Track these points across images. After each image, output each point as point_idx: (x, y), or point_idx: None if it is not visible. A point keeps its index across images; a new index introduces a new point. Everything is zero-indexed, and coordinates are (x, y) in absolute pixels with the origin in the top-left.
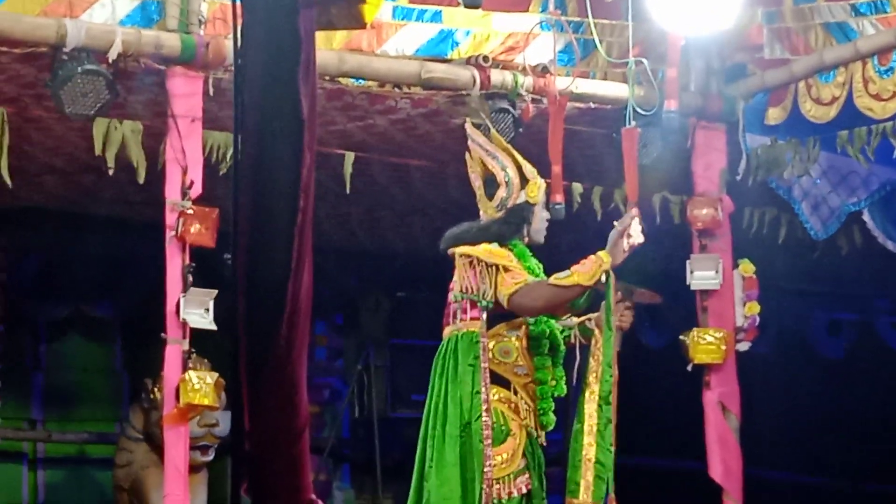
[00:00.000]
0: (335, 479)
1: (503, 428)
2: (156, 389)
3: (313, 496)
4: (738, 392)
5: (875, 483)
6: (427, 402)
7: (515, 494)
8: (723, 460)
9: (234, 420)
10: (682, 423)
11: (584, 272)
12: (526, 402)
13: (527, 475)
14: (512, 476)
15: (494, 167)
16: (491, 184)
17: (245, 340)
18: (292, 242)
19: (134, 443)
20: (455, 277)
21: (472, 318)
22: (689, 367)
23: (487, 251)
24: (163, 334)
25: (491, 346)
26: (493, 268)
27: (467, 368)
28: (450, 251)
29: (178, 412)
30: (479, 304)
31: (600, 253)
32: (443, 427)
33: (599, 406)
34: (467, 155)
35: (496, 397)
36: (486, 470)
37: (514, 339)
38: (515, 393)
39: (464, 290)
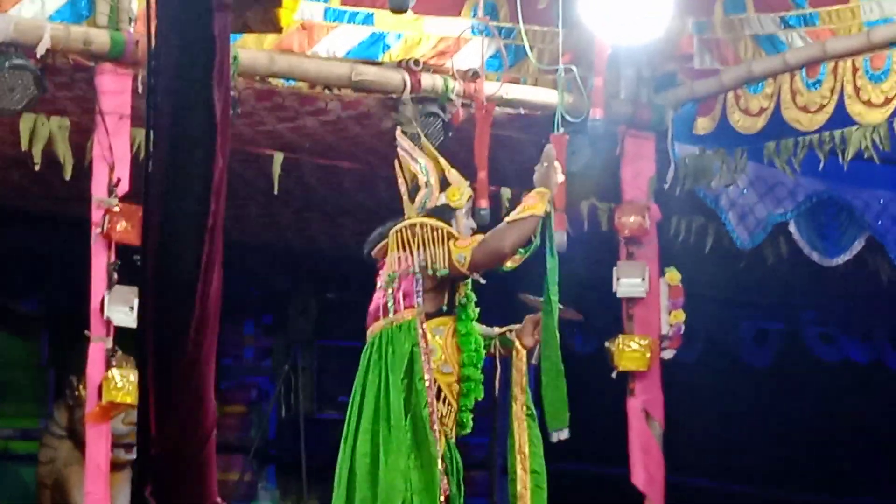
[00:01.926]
0: (261, 480)
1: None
2: (81, 387)
3: (219, 500)
4: (662, 400)
5: (801, 492)
6: (359, 397)
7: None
8: (645, 467)
9: (140, 423)
10: (608, 430)
11: (533, 204)
12: (449, 403)
13: (445, 480)
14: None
15: (417, 170)
16: (414, 188)
17: (153, 342)
18: (202, 245)
19: (58, 440)
20: (387, 263)
21: (406, 307)
22: (614, 375)
23: (430, 219)
24: (86, 332)
25: (430, 324)
26: (441, 232)
27: (405, 355)
28: (377, 247)
29: (101, 410)
30: (434, 273)
31: (538, 187)
32: (387, 419)
33: (529, 415)
34: (395, 162)
35: (441, 382)
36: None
37: (439, 338)
38: (439, 393)
39: (405, 268)
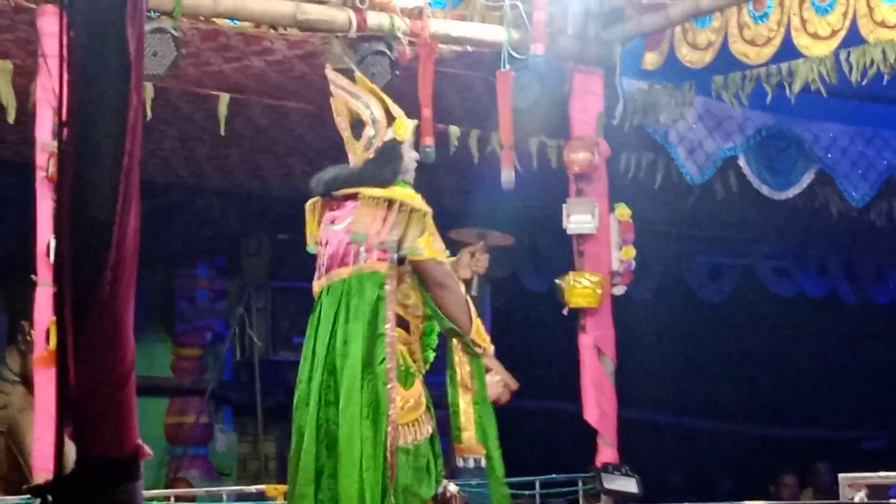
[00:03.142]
0: (217, 422)
1: (409, 370)
2: (32, 332)
3: (139, 441)
4: (614, 335)
5: (754, 425)
6: (314, 341)
7: (423, 437)
8: (598, 403)
9: (59, 363)
10: (561, 367)
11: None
12: (417, 342)
13: (430, 414)
14: (420, 418)
15: (358, 107)
16: (357, 125)
17: (69, 282)
18: (118, 184)
19: (11, 385)
20: (353, 217)
21: (378, 259)
22: (565, 311)
23: (410, 195)
24: (33, 276)
25: (399, 287)
26: (414, 214)
27: (369, 307)
28: (339, 192)
29: (49, 355)
30: (393, 250)
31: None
32: (344, 368)
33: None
34: (331, 100)
35: (398, 340)
36: (390, 413)
37: (410, 281)
38: (411, 335)
39: (371, 232)
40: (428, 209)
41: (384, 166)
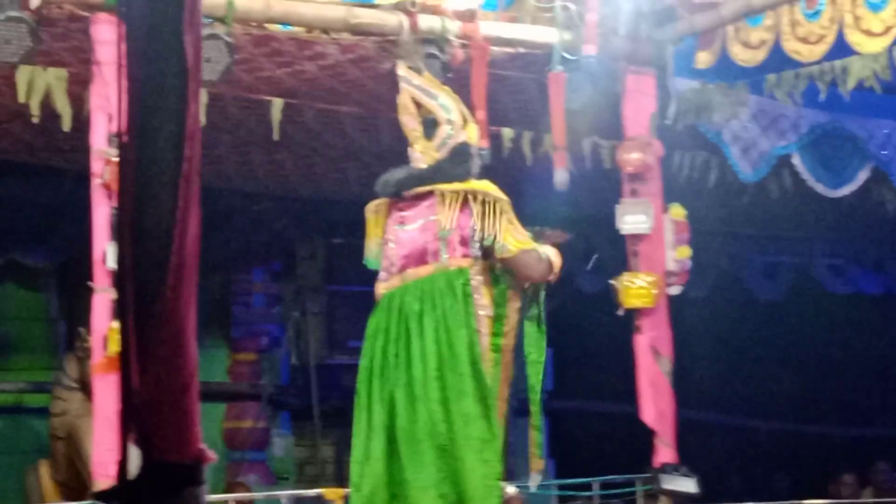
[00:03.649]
0: (274, 426)
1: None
2: (90, 338)
3: (203, 445)
4: (671, 335)
5: (812, 424)
6: (405, 343)
7: None
8: (655, 404)
9: (123, 371)
10: (618, 368)
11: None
12: (488, 340)
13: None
14: None
15: (433, 106)
16: (429, 124)
17: (132, 290)
18: (178, 191)
19: (69, 392)
20: (429, 216)
21: (462, 255)
22: (621, 312)
23: (488, 187)
24: (90, 283)
25: None
26: (496, 206)
27: (463, 307)
28: (411, 192)
29: (108, 361)
30: (478, 242)
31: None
32: (453, 368)
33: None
34: (399, 97)
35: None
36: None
37: (483, 277)
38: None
39: (455, 228)
40: (505, 197)
41: (458, 166)
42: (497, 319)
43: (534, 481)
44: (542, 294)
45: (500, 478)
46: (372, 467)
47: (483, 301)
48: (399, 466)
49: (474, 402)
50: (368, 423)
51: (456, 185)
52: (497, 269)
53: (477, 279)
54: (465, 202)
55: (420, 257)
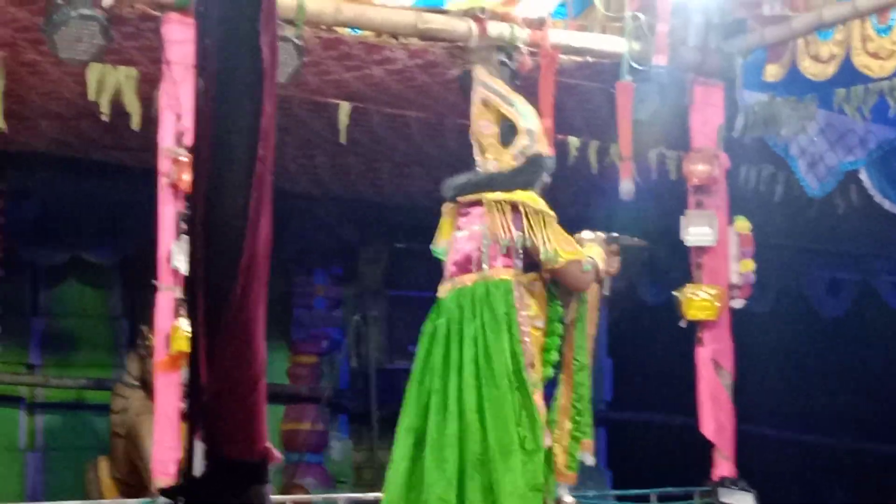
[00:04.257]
0: (333, 429)
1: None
2: (152, 336)
3: (268, 444)
4: (732, 349)
5: (873, 441)
6: (443, 350)
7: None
8: (715, 417)
9: (191, 368)
10: (679, 380)
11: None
12: (538, 356)
13: (548, 427)
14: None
15: (513, 113)
16: (508, 131)
17: (202, 289)
18: (251, 191)
19: (130, 389)
20: (480, 224)
21: (504, 266)
22: (683, 324)
23: (533, 199)
24: (154, 281)
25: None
26: (542, 217)
27: (503, 318)
28: (466, 198)
29: (170, 359)
30: (522, 252)
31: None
32: (492, 379)
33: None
34: (475, 99)
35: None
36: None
37: (537, 291)
38: (532, 346)
39: (497, 238)
40: (551, 212)
41: (523, 176)
42: (550, 334)
43: (563, 491)
44: (584, 297)
45: (541, 489)
46: (395, 470)
47: (528, 312)
48: (422, 471)
49: (513, 413)
50: (402, 427)
51: (501, 195)
52: (548, 282)
53: (520, 290)
54: (510, 212)
55: (465, 265)
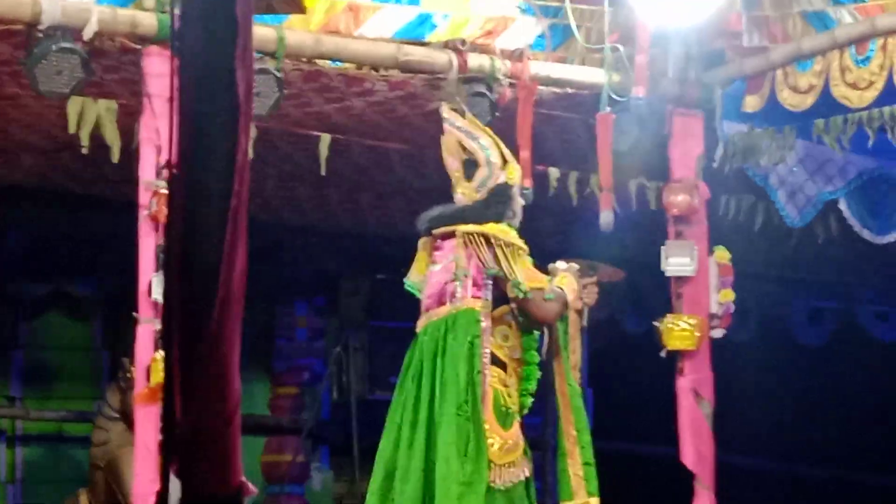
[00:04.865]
0: (314, 461)
1: (508, 410)
2: (133, 368)
3: (244, 479)
4: (712, 379)
5: (854, 471)
6: (415, 383)
7: (521, 479)
8: (695, 446)
9: (165, 403)
10: (658, 410)
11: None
12: (515, 385)
13: (526, 457)
14: (518, 459)
15: (474, 148)
16: (470, 165)
17: (177, 323)
18: (226, 225)
19: (110, 422)
20: (451, 256)
21: (473, 297)
22: (663, 354)
23: (503, 231)
24: (134, 314)
25: (495, 329)
26: (512, 249)
27: (465, 346)
28: (439, 230)
29: (150, 392)
30: (490, 283)
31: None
32: (441, 406)
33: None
34: (443, 138)
35: (496, 379)
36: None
37: (512, 322)
38: (508, 376)
39: (467, 270)
40: (522, 245)
41: (492, 207)
42: (527, 363)
43: None
44: (564, 329)
45: None
46: (369, 500)
47: (492, 344)
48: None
49: (456, 443)
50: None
51: (472, 227)
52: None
53: (488, 321)
54: (480, 244)
55: (440, 298)
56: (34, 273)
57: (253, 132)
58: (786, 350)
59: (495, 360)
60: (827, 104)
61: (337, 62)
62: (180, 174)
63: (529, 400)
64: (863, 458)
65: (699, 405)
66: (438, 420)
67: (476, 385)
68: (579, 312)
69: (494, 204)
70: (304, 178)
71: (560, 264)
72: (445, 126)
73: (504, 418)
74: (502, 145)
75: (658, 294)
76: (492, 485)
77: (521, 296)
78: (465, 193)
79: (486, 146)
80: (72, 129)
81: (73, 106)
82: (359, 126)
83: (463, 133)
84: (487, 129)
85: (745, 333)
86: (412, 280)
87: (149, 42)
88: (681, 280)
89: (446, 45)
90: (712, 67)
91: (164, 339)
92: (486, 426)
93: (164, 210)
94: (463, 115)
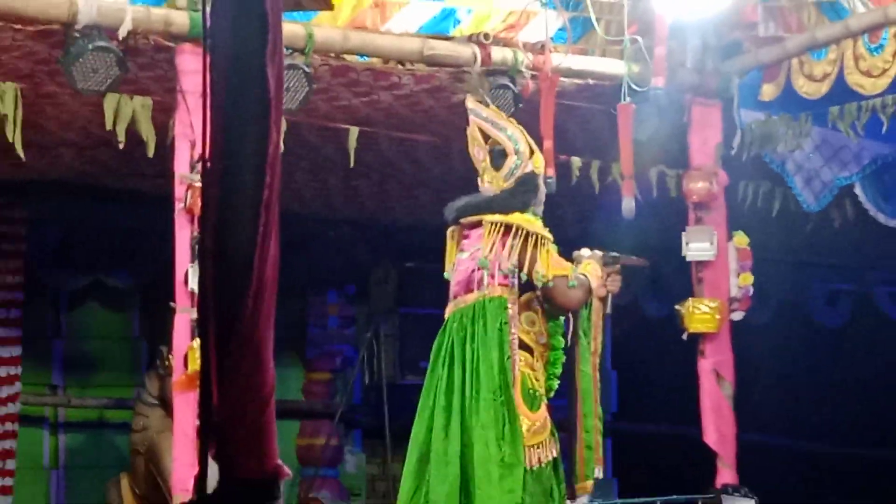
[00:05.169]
0: (347, 444)
1: (536, 393)
2: (170, 356)
3: (279, 462)
4: (733, 360)
5: (871, 448)
6: (447, 369)
7: (547, 461)
8: (717, 426)
9: (202, 389)
10: (681, 391)
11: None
12: (541, 369)
13: (554, 438)
14: (546, 441)
15: (502, 138)
16: (498, 155)
17: (213, 312)
18: (259, 216)
19: (149, 408)
20: (478, 245)
21: (500, 284)
22: (685, 337)
23: (526, 220)
24: (171, 303)
25: (521, 315)
26: (535, 237)
27: (496, 334)
28: (467, 220)
29: (187, 379)
30: (516, 271)
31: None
32: (478, 391)
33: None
34: (468, 129)
35: (523, 363)
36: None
37: (539, 308)
38: (535, 360)
39: (493, 259)
40: (547, 234)
41: (518, 196)
42: (553, 348)
43: (599, 472)
44: (587, 315)
45: (519, 502)
46: (404, 483)
47: (519, 330)
48: (427, 484)
49: (494, 427)
50: (410, 443)
51: (499, 217)
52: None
53: (514, 308)
54: (506, 233)
55: (467, 285)
56: (73, 265)
57: (283, 126)
58: (804, 332)
59: (522, 345)
60: (841, 91)
61: (364, 57)
62: (214, 168)
63: (556, 383)
64: (879, 435)
65: (720, 386)
66: (472, 404)
67: (507, 370)
68: (602, 300)
69: (521, 193)
70: (333, 170)
71: (584, 252)
72: (471, 117)
73: (532, 401)
74: (527, 135)
75: (679, 278)
76: (525, 467)
77: (544, 283)
78: (492, 182)
79: (513, 136)
80: (108, 125)
81: (109, 103)
82: (386, 119)
83: (489, 124)
84: (512, 119)
85: (765, 316)
86: (447, 270)
87: (182, 40)
88: (701, 265)
89: (470, 39)
90: (729, 57)
91: (201, 328)
92: (542, 405)
93: (199, 203)
94: (487, 106)
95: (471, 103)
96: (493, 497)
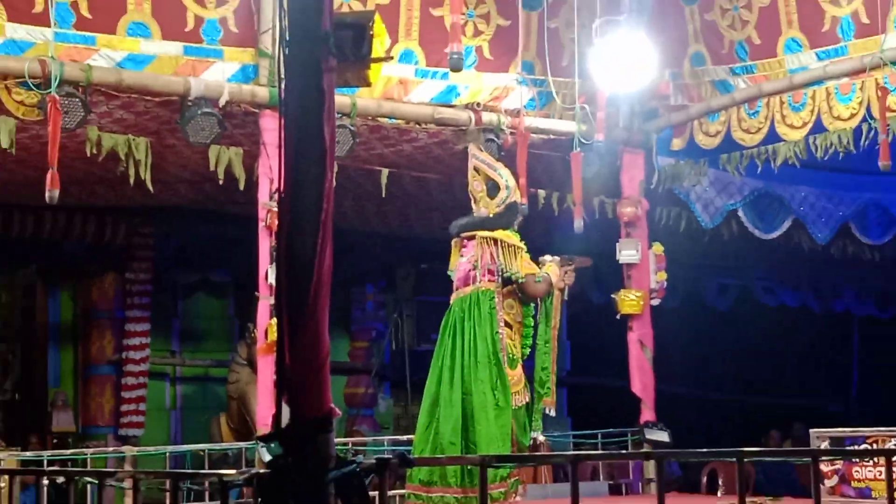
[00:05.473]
0: (380, 392)
1: (513, 357)
2: (255, 330)
3: (332, 405)
4: (652, 333)
5: (750, 396)
6: (451, 339)
7: (522, 404)
8: (640, 380)
9: (278, 355)
10: (616, 355)
11: (554, 275)
12: (518, 340)
13: (526, 389)
14: (521, 390)
15: (496, 176)
16: (493, 188)
17: (285, 300)
18: (318, 232)
19: (240, 367)
20: (473, 252)
21: (489, 280)
22: (619, 317)
23: (507, 235)
24: (256, 293)
25: (504, 302)
26: (513, 248)
27: (487, 315)
28: (465, 234)
29: (267, 346)
30: (500, 271)
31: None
32: (475, 357)
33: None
34: (470, 169)
35: (506, 336)
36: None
37: (516, 297)
38: (514, 333)
39: (483, 263)
40: (521, 245)
41: (504, 218)
42: (525, 326)
43: (550, 411)
44: (549, 301)
45: (509, 436)
46: (420, 421)
47: (503, 313)
48: (437, 423)
49: (489, 381)
50: (425, 391)
51: (487, 233)
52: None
53: (499, 297)
54: (494, 244)
55: (465, 281)
56: (187, 266)
57: (335, 168)
58: (702, 313)
59: (505, 323)
60: (729, 143)
61: (392, 119)
62: (286, 198)
63: (528, 350)
64: (755, 386)
65: (643, 352)
66: (471, 365)
67: (496, 341)
68: (561, 290)
69: (506, 215)
70: (370, 199)
71: (547, 257)
72: (472, 160)
73: (511, 362)
74: (511, 174)
75: (614, 275)
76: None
77: (519, 280)
78: (487, 208)
79: (504, 174)
80: (212, 167)
81: (213, 151)
82: (408, 163)
83: (485, 165)
84: (501, 162)
85: (674, 302)
86: (451, 269)
87: (264, 107)
88: (630, 266)
89: (467, 107)
90: (649, 119)
91: (276, 310)
92: (506, 368)
93: (276, 222)
94: (482, 152)
95: (474, 149)
96: (492, 432)
